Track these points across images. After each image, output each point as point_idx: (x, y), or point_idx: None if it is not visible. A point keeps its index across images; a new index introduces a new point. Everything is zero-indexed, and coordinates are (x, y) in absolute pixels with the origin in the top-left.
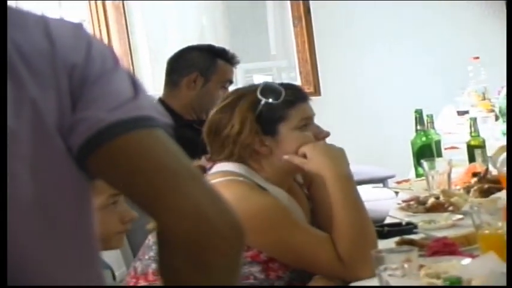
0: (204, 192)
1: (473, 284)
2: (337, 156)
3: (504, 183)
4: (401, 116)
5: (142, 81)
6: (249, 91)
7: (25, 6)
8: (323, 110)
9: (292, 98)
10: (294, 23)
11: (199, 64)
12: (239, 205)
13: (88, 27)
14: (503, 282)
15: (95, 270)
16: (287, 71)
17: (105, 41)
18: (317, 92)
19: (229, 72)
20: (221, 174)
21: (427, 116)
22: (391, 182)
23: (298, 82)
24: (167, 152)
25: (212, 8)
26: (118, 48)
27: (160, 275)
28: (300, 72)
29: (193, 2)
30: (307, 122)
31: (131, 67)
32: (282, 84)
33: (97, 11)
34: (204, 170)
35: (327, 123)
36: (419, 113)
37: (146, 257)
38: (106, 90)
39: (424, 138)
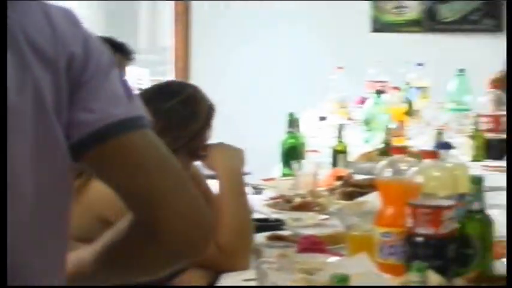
0: (196, 193)
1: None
2: (233, 155)
3: (381, 189)
4: (264, 117)
5: None
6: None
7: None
8: None
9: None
10: (174, 19)
11: None
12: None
13: None
14: (377, 282)
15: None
16: (157, 65)
17: None
18: None
19: (124, 67)
20: None
21: (296, 119)
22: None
23: (171, 77)
24: (161, 152)
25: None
26: None
27: (121, 258)
28: (175, 68)
29: None
30: None
31: None
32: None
33: None
34: None
35: None
36: (291, 116)
37: None
38: (105, 86)
39: (293, 140)
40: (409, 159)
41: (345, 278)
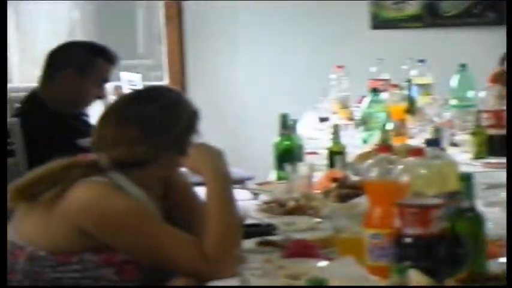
0: None
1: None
2: (216, 156)
3: (368, 190)
4: (264, 119)
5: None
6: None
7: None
8: None
9: None
10: (166, 22)
11: (76, 61)
12: (99, 204)
13: None
14: (360, 283)
15: None
16: (154, 70)
17: None
18: (184, 91)
19: (107, 71)
20: None
21: (292, 120)
22: (249, 184)
23: (165, 81)
24: None
25: (84, 4)
26: None
27: None
28: (169, 72)
29: None
30: None
31: None
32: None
33: None
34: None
35: None
36: (284, 117)
37: None
38: None
39: (287, 142)
40: (395, 157)
41: (321, 281)
